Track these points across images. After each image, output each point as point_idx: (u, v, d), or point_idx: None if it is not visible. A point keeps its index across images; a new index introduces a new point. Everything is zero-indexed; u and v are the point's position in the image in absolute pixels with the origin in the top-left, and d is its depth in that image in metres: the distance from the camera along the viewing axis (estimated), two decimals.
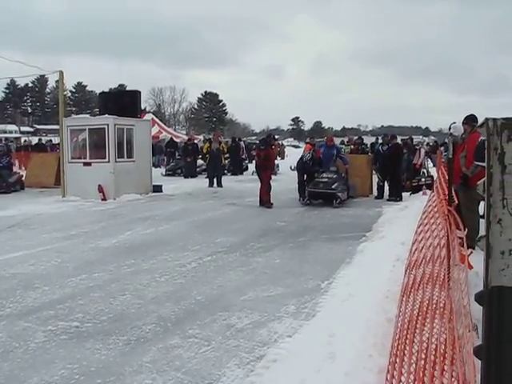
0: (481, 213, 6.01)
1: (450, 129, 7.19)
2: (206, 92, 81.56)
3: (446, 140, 14.72)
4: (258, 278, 5.68)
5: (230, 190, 15.64)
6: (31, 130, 67.44)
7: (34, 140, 29.61)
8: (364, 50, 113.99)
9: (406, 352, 2.27)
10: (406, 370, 2.12)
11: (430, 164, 17.36)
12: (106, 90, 27.92)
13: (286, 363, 3.38)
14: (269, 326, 4.17)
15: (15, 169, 18.59)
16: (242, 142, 25.83)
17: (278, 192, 12.82)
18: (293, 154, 30.46)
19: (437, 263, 3.41)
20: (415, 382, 1.99)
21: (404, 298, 3.07)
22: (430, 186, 11.72)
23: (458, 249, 3.31)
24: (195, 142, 23.23)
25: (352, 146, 20.07)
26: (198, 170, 20.51)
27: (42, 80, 75.61)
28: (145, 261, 6.40)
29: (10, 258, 6.56)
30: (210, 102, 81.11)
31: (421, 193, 12.22)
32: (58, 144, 15.95)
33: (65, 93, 16.82)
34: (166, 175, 20.82)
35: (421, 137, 49.17)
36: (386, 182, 13.17)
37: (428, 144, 27.42)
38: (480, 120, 5.90)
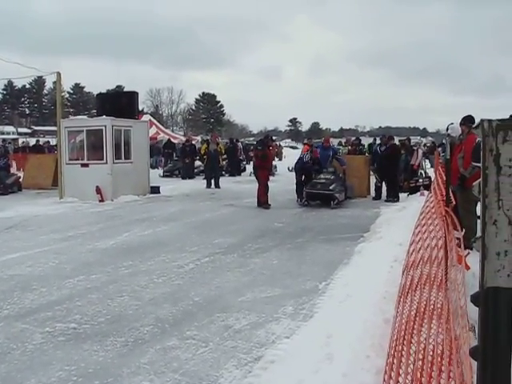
0: (478, 213, 6.03)
1: (447, 130, 7.19)
2: (203, 93, 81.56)
3: (444, 141, 14.74)
4: (255, 279, 5.69)
5: (228, 191, 15.64)
6: (29, 131, 67.37)
7: (32, 141, 29.55)
8: (361, 50, 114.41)
9: (403, 353, 2.28)
10: (403, 370, 2.12)
11: (427, 165, 17.40)
12: (104, 91, 27.85)
13: (283, 364, 3.38)
14: (266, 327, 4.17)
15: (13, 170, 18.56)
16: (239, 143, 25.84)
17: (275, 193, 12.83)
18: (290, 155, 30.56)
19: (434, 264, 3.42)
20: (413, 383, 2.00)
21: (401, 299, 3.08)
22: (427, 187, 11.72)
23: (455, 250, 3.32)
24: (193, 143, 23.23)
25: (349, 147, 20.08)
26: (195, 171, 20.50)
27: (39, 81, 75.52)
28: (142, 262, 6.40)
29: (8, 260, 6.55)
30: (208, 103, 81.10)
31: (418, 193, 12.23)
32: (56, 145, 15.92)
33: (62, 94, 16.81)
34: (163, 176, 20.80)
35: (418, 137, 49.21)
36: (383, 183, 13.19)
37: (425, 145, 27.47)
38: (477, 121, 5.90)
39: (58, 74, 13.95)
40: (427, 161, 17.85)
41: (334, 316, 4.16)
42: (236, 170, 22.36)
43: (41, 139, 30.51)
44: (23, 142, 31.23)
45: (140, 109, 28.50)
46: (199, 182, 17.58)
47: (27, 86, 78.13)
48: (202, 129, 71.30)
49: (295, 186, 12.71)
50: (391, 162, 12.87)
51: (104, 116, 13.61)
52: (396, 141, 14.67)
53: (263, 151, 12.10)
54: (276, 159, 25.53)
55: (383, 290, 4.51)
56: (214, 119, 79.47)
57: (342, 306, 4.44)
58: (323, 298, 4.84)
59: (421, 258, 3.75)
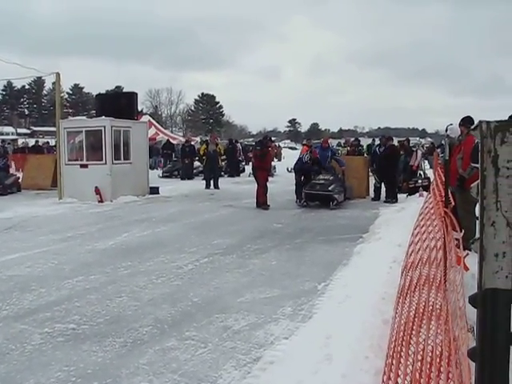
0: (477, 214, 6.03)
1: (446, 130, 7.20)
2: (202, 94, 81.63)
3: (443, 142, 14.76)
4: (254, 279, 5.69)
5: (227, 191, 15.64)
6: (28, 131, 67.40)
7: (31, 142, 29.61)
8: (360, 51, 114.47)
9: (402, 354, 2.28)
10: (402, 371, 2.12)
11: (426, 166, 17.41)
12: (103, 91, 27.86)
13: (282, 365, 3.38)
14: (265, 328, 4.17)
15: (12, 171, 18.58)
16: (238, 144, 25.84)
17: (274, 194, 12.84)
18: (289, 155, 30.55)
19: (433, 265, 3.42)
20: None
21: (400, 300, 3.08)
22: (426, 188, 11.73)
23: (454, 251, 3.32)
24: (192, 143, 23.23)
25: (349, 148, 20.10)
26: (194, 171, 20.52)
27: (38, 82, 75.49)
28: (141, 263, 6.40)
29: (7, 260, 6.54)
30: (207, 104, 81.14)
31: (417, 194, 12.23)
32: (55, 146, 15.92)
33: (61, 95, 16.77)
34: (162, 177, 20.82)
35: (417, 138, 49.32)
36: (382, 184, 13.20)
37: (424, 146, 27.49)
38: (476, 122, 5.91)
39: (58, 74, 13.95)
40: (426, 162, 17.86)
41: (333, 317, 4.16)
42: (235, 170, 22.37)
43: (40, 140, 30.53)
44: (22, 143, 31.29)
45: (139, 109, 28.54)
46: (198, 183, 17.58)
47: (26, 87, 78.20)
48: (201, 129, 71.29)
49: (294, 186, 12.73)
50: (390, 163, 12.88)
51: (103, 117, 13.61)
52: (395, 142, 14.69)
53: (262, 152, 12.11)
54: (275, 160, 25.52)
55: (382, 290, 4.51)
56: (213, 120, 79.47)
57: (341, 306, 4.44)
58: (322, 299, 4.84)
59: (420, 258, 3.75)
